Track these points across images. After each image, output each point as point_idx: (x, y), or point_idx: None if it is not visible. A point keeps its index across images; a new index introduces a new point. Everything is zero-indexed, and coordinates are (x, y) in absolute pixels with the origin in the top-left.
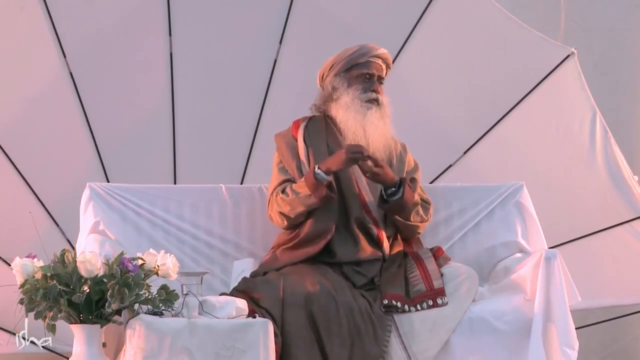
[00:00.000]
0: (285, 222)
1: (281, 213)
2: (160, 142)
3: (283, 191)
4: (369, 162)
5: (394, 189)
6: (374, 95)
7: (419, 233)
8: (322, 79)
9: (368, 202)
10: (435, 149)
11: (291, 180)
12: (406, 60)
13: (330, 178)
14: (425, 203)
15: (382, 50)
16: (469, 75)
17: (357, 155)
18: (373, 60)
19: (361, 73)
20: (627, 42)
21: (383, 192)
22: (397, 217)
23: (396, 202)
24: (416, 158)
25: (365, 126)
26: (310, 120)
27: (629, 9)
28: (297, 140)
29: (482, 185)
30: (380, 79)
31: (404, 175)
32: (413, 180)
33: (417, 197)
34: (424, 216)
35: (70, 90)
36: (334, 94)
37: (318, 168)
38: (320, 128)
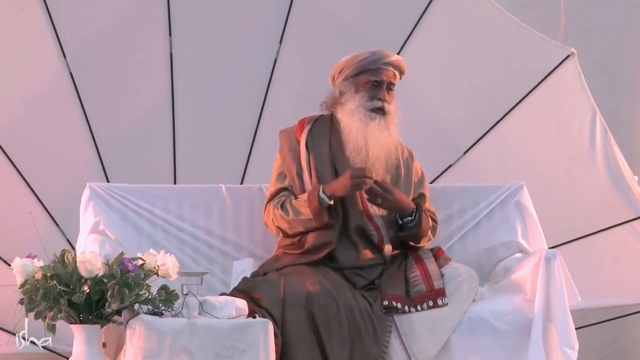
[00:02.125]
0: (281, 235)
1: (278, 227)
2: (160, 142)
3: (282, 206)
4: (374, 185)
5: (410, 217)
6: (379, 104)
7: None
8: (333, 79)
9: (369, 208)
10: (435, 149)
11: (288, 189)
12: (406, 60)
13: (332, 202)
14: (434, 222)
15: (395, 58)
16: (469, 75)
17: (361, 180)
18: (384, 67)
19: (369, 80)
20: (627, 42)
21: (398, 218)
22: (409, 242)
23: (411, 229)
24: (417, 158)
25: (367, 137)
26: (315, 122)
27: (629, 9)
28: (299, 144)
29: (482, 185)
30: (390, 85)
31: (412, 183)
32: (422, 196)
33: (430, 222)
34: (431, 237)
35: (70, 90)
36: (342, 98)
37: (323, 192)
38: (325, 130)
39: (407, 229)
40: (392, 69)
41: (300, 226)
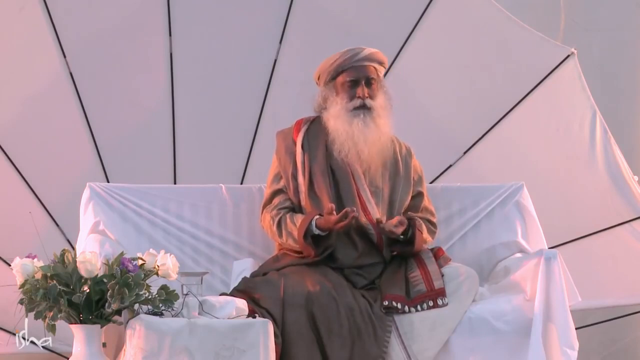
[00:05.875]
0: (277, 243)
1: (273, 237)
2: (160, 142)
3: (278, 225)
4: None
5: (401, 236)
6: (359, 102)
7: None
8: (317, 85)
9: (368, 208)
10: (435, 149)
11: (284, 191)
12: (406, 60)
13: (324, 233)
14: (432, 226)
15: (367, 52)
16: (469, 75)
17: (344, 222)
18: (357, 64)
19: (346, 80)
20: (627, 42)
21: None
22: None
23: (404, 243)
24: (417, 158)
25: (353, 136)
26: (312, 122)
27: (629, 9)
28: (296, 145)
29: (482, 185)
30: (369, 81)
31: (411, 180)
32: (420, 194)
33: (426, 235)
34: (431, 240)
35: (70, 90)
36: (325, 103)
37: (316, 226)
38: (321, 131)
39: (400, 246)
40: (367, 64)
41: (294, 245)
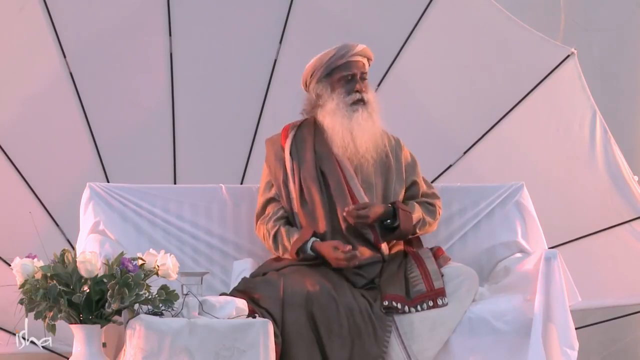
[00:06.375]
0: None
1: (269, 249)
2: (160, 142)
3: (274, 238)
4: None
5: (389, 220)
6: (358, 95)
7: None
8: (306, 85)
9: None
10: (435, 149)
11: (276, 199)
12: (406, 60)
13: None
14: (430, 205)
15: (360, 47)
16: (469, 75)
17: (343, 263)
18: (352, 59)
19: (342, 76)
20: (627, 42)
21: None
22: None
23: (395, 229)
24: (416, 158)
25: (353, 130)
26: (299, 127)
27: (629, 8)
28: (284, 152)
29: (482, 185)
30: (363, 75)
31: (403, 172)
32: (414, 184)
33: (417, 215)
34: (432, 220)
35: (70, 90)
36: (319, 100)
37: (311, 248)
38: (308, 134)
39: (389, 232)
40: (359, 59)
41: (288, 257)
